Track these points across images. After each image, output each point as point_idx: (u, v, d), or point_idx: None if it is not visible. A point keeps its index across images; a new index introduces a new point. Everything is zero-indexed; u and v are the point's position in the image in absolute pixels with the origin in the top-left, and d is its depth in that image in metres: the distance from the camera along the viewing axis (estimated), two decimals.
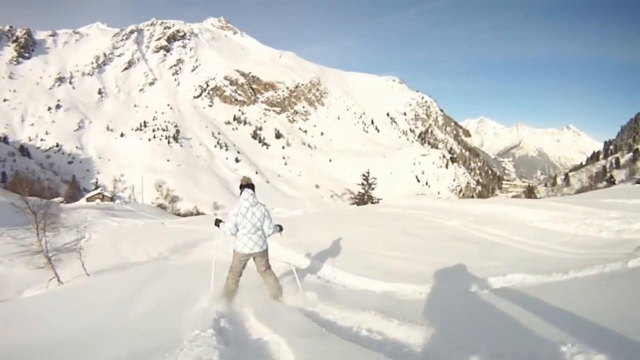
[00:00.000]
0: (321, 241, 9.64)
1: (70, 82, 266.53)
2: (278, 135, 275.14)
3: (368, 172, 41.74)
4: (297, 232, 11.16)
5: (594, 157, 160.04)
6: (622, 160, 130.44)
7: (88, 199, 77.59)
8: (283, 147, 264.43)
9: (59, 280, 11.20)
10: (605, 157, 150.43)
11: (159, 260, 11.66)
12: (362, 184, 41.65)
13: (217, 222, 5.83)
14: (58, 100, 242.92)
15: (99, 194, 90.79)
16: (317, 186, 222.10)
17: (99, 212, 37.06)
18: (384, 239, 9.80)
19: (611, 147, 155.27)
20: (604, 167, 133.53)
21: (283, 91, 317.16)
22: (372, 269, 7.04)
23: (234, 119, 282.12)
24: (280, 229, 5.95)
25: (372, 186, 41.60)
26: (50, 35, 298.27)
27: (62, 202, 57.69)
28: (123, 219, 32.24)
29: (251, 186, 5.75)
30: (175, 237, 14.85)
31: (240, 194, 5.68)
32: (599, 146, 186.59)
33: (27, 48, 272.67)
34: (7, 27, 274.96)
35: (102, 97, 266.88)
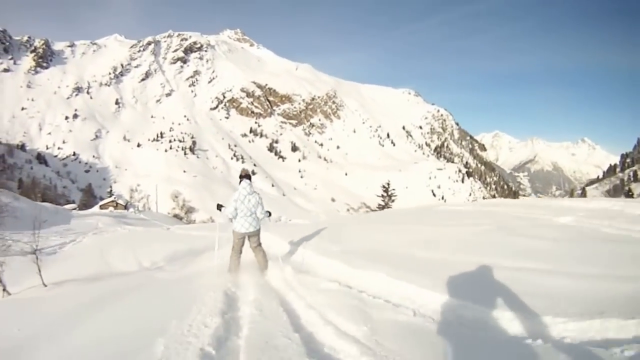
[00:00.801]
0: (380, 247, 7.51)
1: (88, 92, 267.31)
2: (294, 148, 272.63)
3: (388, 184, 40.93)
4: (342, 237, 9.26)
5: (611, 170, 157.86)
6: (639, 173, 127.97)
7: (101, 207, 75.51)
8: (299, 160, 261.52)
9: (4, 290, 9.47)
10: (622, 170, 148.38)
11: (149, 270, 9.77)
12: (382, 195, 40.71)
13: (219, 207, 6.72)
14: (75, 110, 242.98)
15: (112, 201, 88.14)
16: (332, 200, 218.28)
17: (111, 220, 37.98)
18: (484, 243, 7.08)
19: (628, 160, 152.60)
20: (622, 180, 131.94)
21: (299, 103, 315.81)
22: (514, 294, 4.25)
23: (250, 131, 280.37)
24: (269, 214, 6.92)
25: (392, 198, 40.62)
26: (68, 46, 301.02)
27: (74, 208, 58.72)
28: (135, 227, 31.68)
29: (249, 177, 6.78)
30: (178, 244, 13.32)
31: (240, 183, 6.65)
32: (615, 159, 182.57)
33: (45, 58, 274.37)
34: (25, 38, 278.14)
35: (119, 107, 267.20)
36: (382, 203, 40.60)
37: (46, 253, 12.51)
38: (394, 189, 40.85)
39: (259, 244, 6.68)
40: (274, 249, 7.89)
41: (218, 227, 8.03)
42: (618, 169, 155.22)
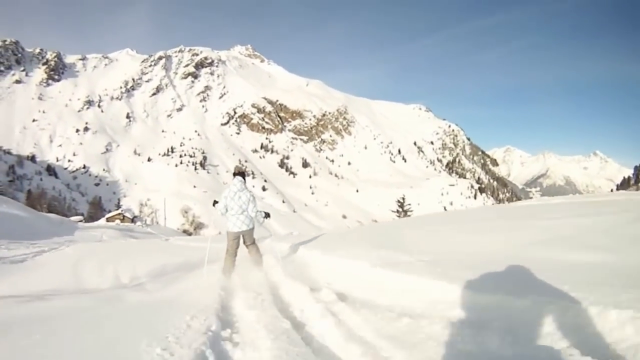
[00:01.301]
0: (483, 252, 5.35)
1: (99, 106, 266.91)
2: (305, 164, 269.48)
3: (403, 198, 39.49)
4: (402, 242, 7.29)
5: (625, 183, 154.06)
6: None
7: (108, 219, 76.15)
8: (310, 177, 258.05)
9: None
10: (636, 182, 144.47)
11: (124, 288, 7.23)
12: (397, 210, 39.35)
13: (215, 203, 6.53)
14: (86, 123, 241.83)
15: (119, 214, 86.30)
16: (344, 216, 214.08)
17: (117, 232, 37.46)
18: None
19: None
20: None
21: (310, 119, 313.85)
22: None
23: (261, 147, 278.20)
24: (267, 215, 6.70)
25: (408, 213, 38.97)
26: (80, 59, 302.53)
27: (81, 220, 57.99)
28: (140, 240, 29.73)
29: (242, 174, 6.64)
30: (171, 257, 11.25)
31: (232, 180, 6.53)
32: (627, 172, 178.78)
33: (57, 71, 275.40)
34: (37, 50, 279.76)
35: (130, 121, 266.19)
36: (398, 218, 38.00)
37: (11, 261, 10.91)
38: (409, 204, 39.47)
39: (253, 242, 6.54)
40: (313, 271, 6.28)
41: (210, 239, 8.27)
42: (632, 182, 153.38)
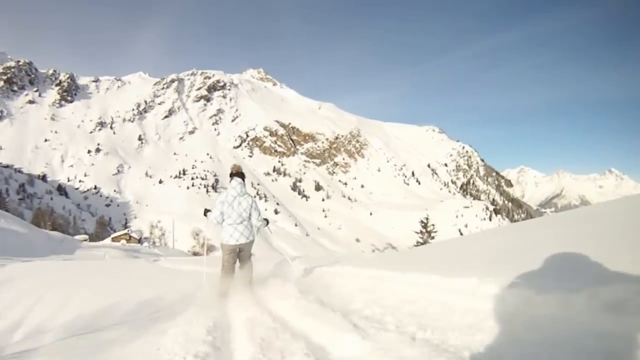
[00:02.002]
0: None
1: (111, 127, 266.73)
2: (318, 187, 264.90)
3: (427, 218, 36.69)
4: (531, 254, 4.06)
5: None
6: None
7: (113, 239, 74.12)
8: (323, 200, 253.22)
9: None
10: None
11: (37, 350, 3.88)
12: (421, 231, 36.14)
13: (206, 212, 5.51)
14: (98, 144, 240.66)
15: (125, 234, 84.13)
16: (357, 240, 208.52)
17: (121, 253, 36.53)
18: None
19: None
20: None
21: (323, 142, 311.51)
22: None
23: (274, 170, 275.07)
24: (267, 222, 5.67)
25: (432, 234, 35.88)
26: (93, 81, 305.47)
27: (85, 239, 57.72)
28: (113, 260, 28.33)
29: (241, 175, 5.50)
30: (137, 288, 7.50)
31: (230, 182, 5.43)
32: None
33: (70, 92, 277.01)
34: (51, 71, 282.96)
35: (142, 143, 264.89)
36: (421, 240, 35.27)
37: None
38: (433, 224, 36.02)
39: (249, 258, 5.46)
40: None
41: (206, 260, 6.65)
42: None
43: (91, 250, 35.01)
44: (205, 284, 5.58)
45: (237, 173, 5.38)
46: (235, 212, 5.05)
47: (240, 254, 5.24)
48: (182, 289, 6.35)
